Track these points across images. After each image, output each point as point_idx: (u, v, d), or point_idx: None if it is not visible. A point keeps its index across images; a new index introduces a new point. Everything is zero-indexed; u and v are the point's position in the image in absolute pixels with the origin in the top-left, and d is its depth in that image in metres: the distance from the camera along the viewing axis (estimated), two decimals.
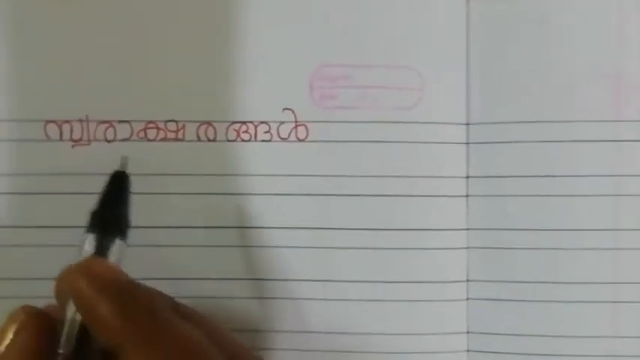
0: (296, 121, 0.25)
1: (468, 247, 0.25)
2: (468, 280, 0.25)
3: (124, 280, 0.20)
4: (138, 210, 0.25)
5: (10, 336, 0.19)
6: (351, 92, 0.25)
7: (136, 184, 0.25)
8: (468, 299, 0.25)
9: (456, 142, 0.25)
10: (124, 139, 0.25)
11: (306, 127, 0.25)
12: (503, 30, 0.25)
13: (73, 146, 0.25)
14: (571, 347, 0.25)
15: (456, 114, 0.25)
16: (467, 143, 0.25)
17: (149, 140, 0.25)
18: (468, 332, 0.25)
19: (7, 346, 0.19)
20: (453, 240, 0.25)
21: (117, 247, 0.20)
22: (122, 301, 0.19)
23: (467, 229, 0.25)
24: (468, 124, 0.25)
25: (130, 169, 0.25)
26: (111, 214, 0.21)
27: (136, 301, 0.19)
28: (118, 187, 0.21)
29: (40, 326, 0.20)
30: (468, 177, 0.25)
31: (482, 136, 0.25)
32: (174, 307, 0.21)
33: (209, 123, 0.25)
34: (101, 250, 0.20)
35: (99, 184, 0.24)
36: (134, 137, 0.25)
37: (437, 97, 0.25)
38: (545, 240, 0.25)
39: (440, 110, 0.25)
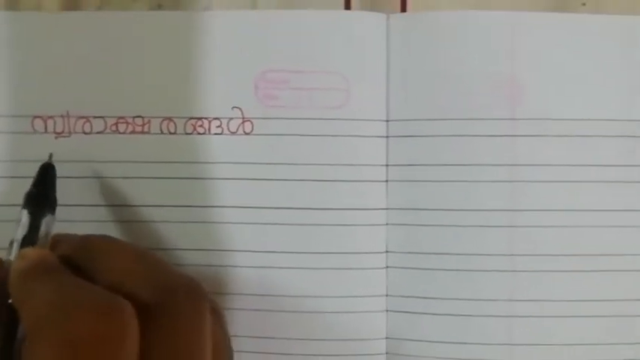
0: (243, 118, 0.29)
1: (387, 224, 0.29)
2: (387, 252, 0.29)
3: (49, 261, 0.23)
4: (111, 191, 0.30)
5: None
6: (289, 93, 0.29)
7: (108, 170, 0.30)
8: (387, 267, 0.29)
9: (378, 136, 0.29)
10: (98, 132, 0.29)
11: (252, 123, 0.29)
12: (417, 42, 0.29)
13: (56, 138, 0.29)
14: (475, 308, 0.29)
15: (377, 112, 0.29)
16: (387, 137, 0.29)
17: (120, 133, 0.29)
18: (386, 295, 0.29)
19: None
20: (374, 218, 0.29)
21: (47, 219, 0.25)
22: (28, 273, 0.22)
23: (386, 209, 0.29)
24: (387, 120, 0.29)
25: (104, 158, 0.30)
26: (41, 195, 0.26)
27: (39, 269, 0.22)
28: (45, 175, 0.27)
29: None
30: (387, 165, 0.29)
31: (399, 131, 0.29)
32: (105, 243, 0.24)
33: (170, 118, 0.29)
34: (34, 221, 0.25)
35: (77, 170, 0.29)
36: (107, 130, 0.29)
37: (361, 98, 0.29)
38: (452, 218, 0.29)
39: (364, 109, 0.29)
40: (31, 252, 0.23)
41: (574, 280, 0.29)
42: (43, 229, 0.25)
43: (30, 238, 0.25)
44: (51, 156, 0.27)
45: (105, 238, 0.25)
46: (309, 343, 0.29)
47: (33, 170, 0.29)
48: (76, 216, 0.29)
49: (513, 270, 0.29)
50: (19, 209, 0.25)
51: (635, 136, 0.29)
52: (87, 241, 0.24)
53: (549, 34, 0.29)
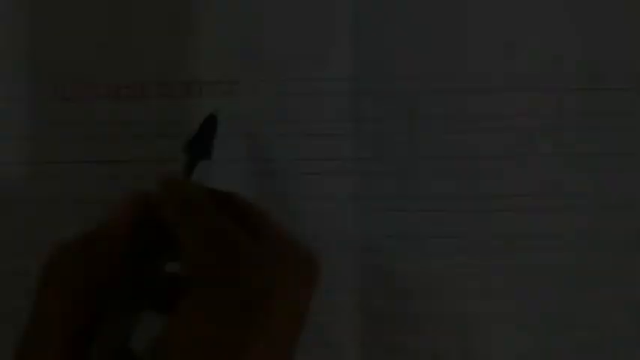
0: (232, 80, 0.34)
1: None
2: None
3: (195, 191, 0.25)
4: None
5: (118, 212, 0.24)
6: (271, 57, 0.34)
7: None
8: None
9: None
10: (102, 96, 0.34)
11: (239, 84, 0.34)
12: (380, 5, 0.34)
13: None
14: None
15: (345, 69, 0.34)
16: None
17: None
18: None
19: (111, 218, 0.24)
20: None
21: (200, 164, 0.28)
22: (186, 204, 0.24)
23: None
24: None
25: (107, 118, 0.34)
26: (199, 143, 0.29)
27: (196, 204, 0.24)
28: (206, 126, 0.30)
29: (133, 207, 0.25)
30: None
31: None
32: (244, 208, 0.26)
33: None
34: (190, 165, 0.28)
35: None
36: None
37: (333, 59, 0.34)
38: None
39: (333, 68, 0.34)
40: (187, 185, 0.26)
41: None
42: (196, 172, 0.28)
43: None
44: (215, 111, 0.30)
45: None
46: None
47: (45, 129, 0.34)
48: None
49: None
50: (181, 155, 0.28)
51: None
52: (231, 195, 0.26)
53: None
